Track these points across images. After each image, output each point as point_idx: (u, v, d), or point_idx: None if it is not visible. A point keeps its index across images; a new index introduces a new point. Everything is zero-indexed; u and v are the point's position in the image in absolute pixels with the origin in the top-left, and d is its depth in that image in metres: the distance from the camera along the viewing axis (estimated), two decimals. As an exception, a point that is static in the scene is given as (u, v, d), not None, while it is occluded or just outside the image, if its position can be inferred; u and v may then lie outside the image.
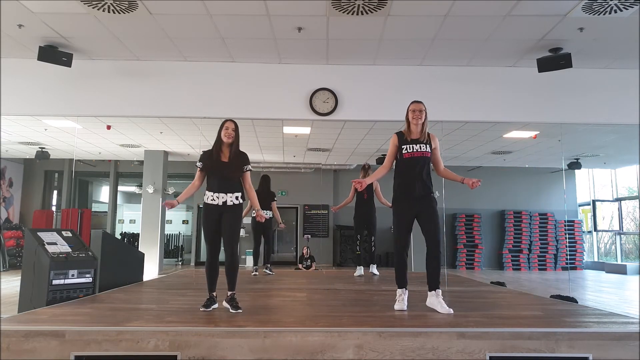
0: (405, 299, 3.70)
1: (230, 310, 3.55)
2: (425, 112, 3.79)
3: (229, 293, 3.67)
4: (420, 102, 3.82)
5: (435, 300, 3.58)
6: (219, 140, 3.79)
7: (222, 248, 3.78)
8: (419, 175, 3.69)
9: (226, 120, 3.83)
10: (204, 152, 3.87)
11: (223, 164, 3.75)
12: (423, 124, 3.78)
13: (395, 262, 3.77)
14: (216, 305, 3.69)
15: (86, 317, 3.31)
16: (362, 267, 6.67)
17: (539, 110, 6.36)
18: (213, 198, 3.70)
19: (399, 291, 3.73)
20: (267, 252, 6.95)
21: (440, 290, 3.62)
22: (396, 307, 3.68)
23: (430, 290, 3.63)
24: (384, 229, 13.36)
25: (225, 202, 3.69)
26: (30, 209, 13.91)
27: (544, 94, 6.32)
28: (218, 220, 3.70)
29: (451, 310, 3.50)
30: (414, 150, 3.72)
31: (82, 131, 9.17)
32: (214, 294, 3.73)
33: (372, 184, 6.35)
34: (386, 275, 6.54)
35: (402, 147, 3.76)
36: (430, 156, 3.75)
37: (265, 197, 6.65)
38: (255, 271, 6.67)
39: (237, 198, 3.74)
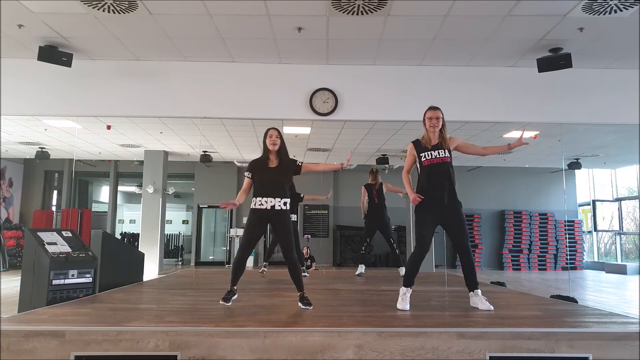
0: (408, 298, 3.72)
1: (302, 307, 3.71)
2: (443, 118, 3.78)
3: (299, 293, 3.83)
4: (437, 109, 3.80)
5: (477, 299, 3.71)
6: (265, 149, 3.91)
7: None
8: (443, 181, 3.69)
9: (269, 129, 3.94)
10: (252, 160, 4.01)
11: (271, 169, 3.85)
12: (441, 130, 3.78)
13: (411, 264, 3.77)
14: (235, 296, 3.83)
15: (86, 317, 3.31)
16: (363, 266, 6.70)
17: (539, 110, 6.36)
18: (261, 202, 3.78)
19: (403, 289, 3.74)
20: (268, 251, 6.97)
21: (480, 290, 3.73)
22: (399, 306, 3.69)
23: (470, 291, 3.77)
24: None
25: (273, 207, 3.78)
26: (30, 209, 13.90)
27: (544, 94, 6.32)
28: (264, 225, 3.85)
29: (492, 307, 3.61)
30: (433, 157, 3.72)
31: (82, 131, 9.17)
32: (235, 287, 3.85)
33: (382, 186, 6.44)
34: (387, 275, 6.54)
35: (421, 155, 3.76)
36: (451, 160, 3.74)
37: (291, 199, 6.60)
38: (265, 267, 6.75)
39: (285, 204, 3.82)
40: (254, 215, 3.82)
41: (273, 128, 3.94)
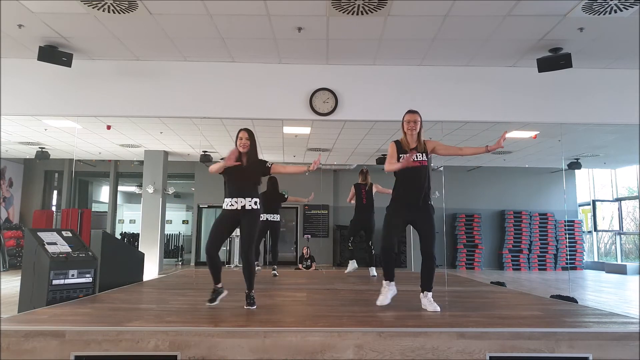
0: (389, 293, 3.79)
1: (244, 306, 3.73)
2: (421, 122, 3.83)
3: (246, 292, 3.83)
4: (415, 113, 3.86)
5: (425, 300, 3.72)
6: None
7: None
8: (419, 184, 3.72)
9: (240, 130, 3.94)
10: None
11: (241, 169, 3.84)
12: (419, 133, 3.83)
13: (383, 259, 3.84)
14: (224, 294, 3.83)
15: (86, 317, 3.31)
16: (354, 261, 6.68)
17: (539, 110, 6.36)
18: (232, 203, 3.80)
19: (384, 283, 3.82)
20: (274, 254, 6.92)
21: (430, 293, 3.73)
22: (378, 302, 3.78)
23: (421, 292, 3.77)
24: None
25: (244, 207, 3.79)
26: (30, 209, 13.90)
27: (544, 94, 6.32)
28: (233, 224, 3.84)
29: (438, 308, 3.61)
30: (412, 159, 3.74)
31: (82, 131, 9.17)
32: (220, 285, 3.87)
33: (372, 187, 6.44)
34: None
35: (400, 156, 3.79)
36: (429, 164, 3.79)
37: (275, 199, 6.62)
38: (274, 270, 6.74)
39: (255, 203, 3.84)
40: (224, 214, 3.86)
41: (244, 130, 3.94)
